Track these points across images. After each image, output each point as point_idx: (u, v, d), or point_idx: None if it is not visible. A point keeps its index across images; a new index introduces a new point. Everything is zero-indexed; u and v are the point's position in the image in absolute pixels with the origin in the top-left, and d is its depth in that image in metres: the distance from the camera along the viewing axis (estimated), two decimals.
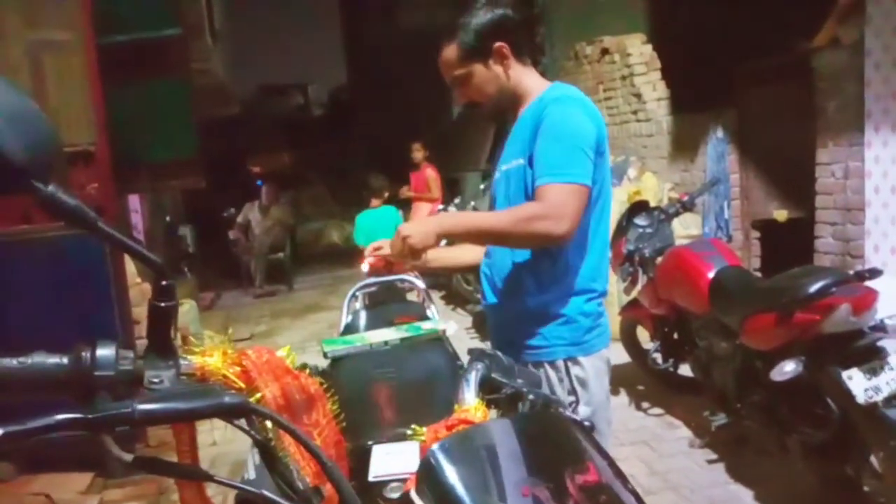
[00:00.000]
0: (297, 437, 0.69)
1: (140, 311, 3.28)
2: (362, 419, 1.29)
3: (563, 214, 1.57)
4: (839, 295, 2.40)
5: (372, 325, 2.19)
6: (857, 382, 2.30)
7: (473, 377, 0.95)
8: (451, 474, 0.78)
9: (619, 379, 4.34)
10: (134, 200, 7.62)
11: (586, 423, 0.98)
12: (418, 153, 7.75)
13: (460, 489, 0.76)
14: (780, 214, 4.92)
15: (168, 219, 8.89)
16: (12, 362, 0.69)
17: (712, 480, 3.07)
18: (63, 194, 0.67)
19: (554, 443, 0.88)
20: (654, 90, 6.24)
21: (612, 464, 0.82)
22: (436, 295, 7.35)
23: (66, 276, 2.94)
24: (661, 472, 3.19)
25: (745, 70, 5.10)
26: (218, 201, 10.07)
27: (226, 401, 0.67)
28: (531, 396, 0.95)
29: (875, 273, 2.44)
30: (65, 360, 0.68)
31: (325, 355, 1.75)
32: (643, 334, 4.19)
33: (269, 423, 0.75)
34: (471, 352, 1.05)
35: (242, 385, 0.79)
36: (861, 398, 2.27)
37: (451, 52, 1.78)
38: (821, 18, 4.14)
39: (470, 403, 0.91)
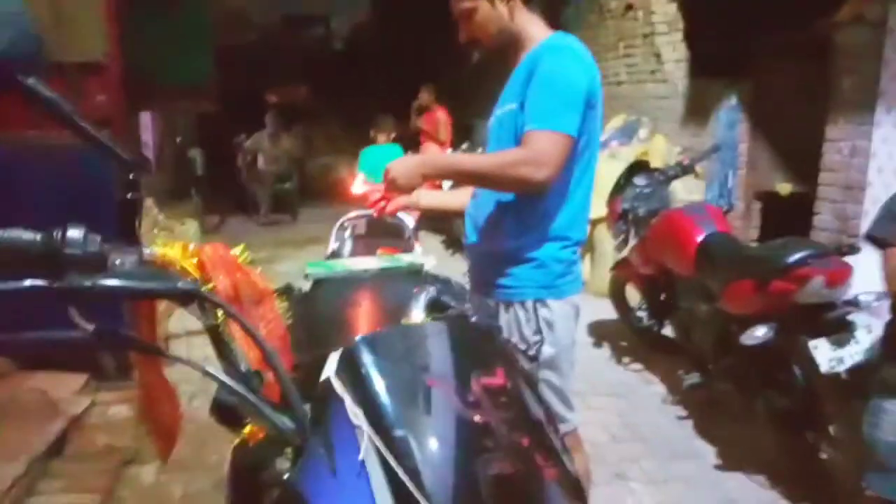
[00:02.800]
0: (242, 325, 0.77)
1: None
2: (332, 335, 1.37)
3: (546, 162, 1.62)
4: (815, 267, 2.45)
5: (357, 253, 2.28)
6: (822, 352, 2.37)
7: (424, 297, 1.01)
8: (368, 362, 0.85)
9: (604, 334, 4.44)
10: (146, 119, 7.65)
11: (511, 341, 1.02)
12: (426, 96, 7.71)
13: (374, 376, 0.83)
14: (784, 188, 4.91)
15: (179, 140, 8.91)
16: None
17: (679, 435, 3.18)
18: (43, 87, 0.74)
19: (470, 348, 0.95)
20: (674, 51, 6.12)
21: (526, 378, 0.89)
22: (436, 239, 7.42)
23: (70, 185, 3.00)
24: (633, 424, 3.31)
25: (766, 41, 5.01)
26: (230, 128, 10.06)
27: (179, 286, 0.74)
28: (474, 319, 1.03)
29: (853, 249, 2.48)
30: (38, 237, 0.74)
31: (305, 276, 1.83)
32: (632, 293, 4.26)
33: (219, 312, 0.82)
34: (427, 277, 1.11)
35: (197, 276, 0.86)
36: (824, 367, 2.35)
37: None
38: None
39: (416, 319, 0.98)
